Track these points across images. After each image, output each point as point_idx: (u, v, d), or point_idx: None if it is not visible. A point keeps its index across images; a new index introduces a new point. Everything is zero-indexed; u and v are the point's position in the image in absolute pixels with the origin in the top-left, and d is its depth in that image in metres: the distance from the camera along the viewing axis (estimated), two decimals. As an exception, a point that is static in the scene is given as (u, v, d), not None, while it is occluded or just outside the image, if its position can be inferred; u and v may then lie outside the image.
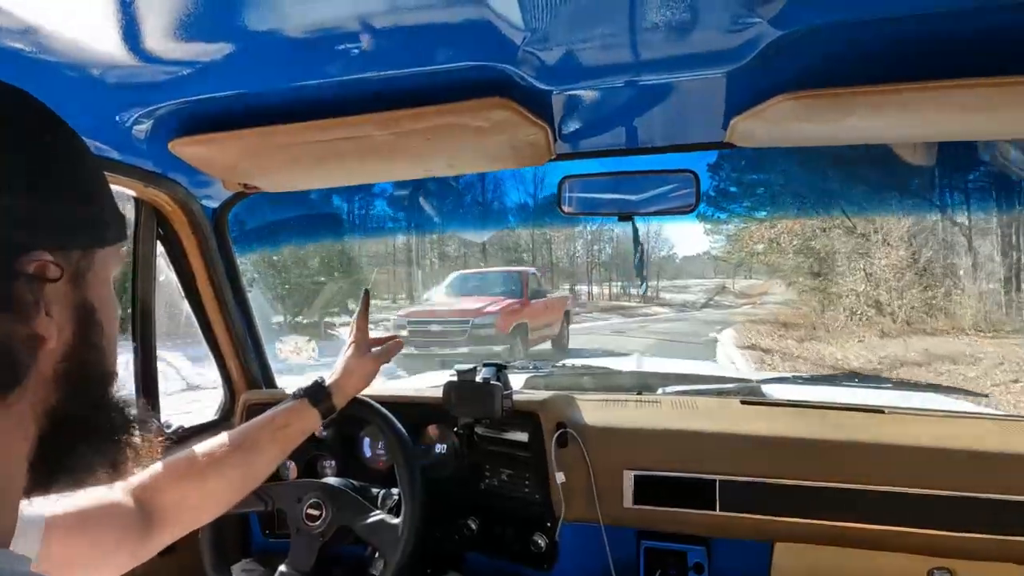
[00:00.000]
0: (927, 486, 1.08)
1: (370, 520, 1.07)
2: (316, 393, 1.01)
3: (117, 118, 0.90)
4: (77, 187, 0.43)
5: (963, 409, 1.53)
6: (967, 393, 1.74)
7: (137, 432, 0.47)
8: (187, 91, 0.82)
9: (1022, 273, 10.98)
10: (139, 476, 0.78)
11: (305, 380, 1.06)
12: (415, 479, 1.07)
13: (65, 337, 0.41)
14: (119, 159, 1.06)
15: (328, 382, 1.04)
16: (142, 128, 0.94)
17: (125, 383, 0.47)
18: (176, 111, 0.89)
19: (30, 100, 0.42)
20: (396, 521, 1.05)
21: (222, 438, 0.89)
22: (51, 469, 0.41)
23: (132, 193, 1.21)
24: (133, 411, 0.47)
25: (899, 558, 1.12)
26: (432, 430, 1.39)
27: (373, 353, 1.09)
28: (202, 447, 0.86)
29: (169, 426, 1.33)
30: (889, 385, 1.73)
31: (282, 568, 1.06)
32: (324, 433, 1.42)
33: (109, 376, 0.46)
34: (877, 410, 1.33)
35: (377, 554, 1.09)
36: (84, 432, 0.43)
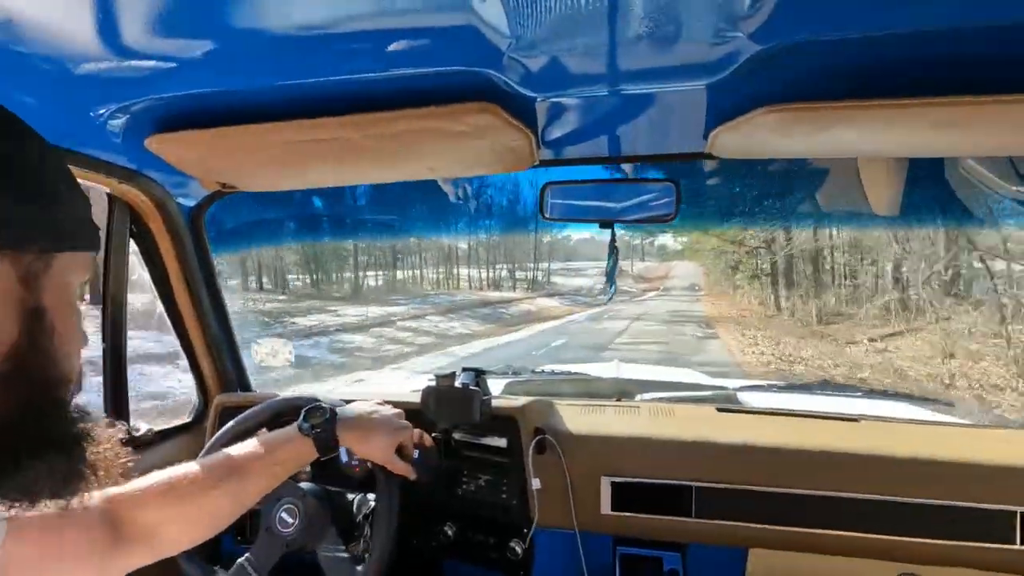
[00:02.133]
0: (898, 493, 1.11)
1: (334, 554, 1.03)
2: (324, 436, 0.94)
3: (91, 113, 0.87)
4: (35, 190, 0.41)
5: (932, 418, 1.57)
6: (935, 402, 1.78)
7: (95, 449, 0.45)
8: (165, 87, 0.81)
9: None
10: (119, 489, 0.73)
11: (318, 394, 1.02)
12: (392, 507, 1.04)
13: (9, 337, 0.40)
14: (93, 155, 1.03)
15: (340, 422, 0.96)
16: (117, 123, 0.92)
17: (84, 391, 0.45)
18: (153, 107, 0.87)
19: None
20: (359, 569, 1.00)
21: (212, 463, 0.83)
22: None
23: (105, 190, 1.18)
24: (90, 425, 0.45)
25: (868, 564, 1.14)
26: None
27: (397, 461, 1.03)
28: (189, 469, 0.81)
29: (138, 430, 1.29)
30: (860, 394, 1.77)
31: (241, 560, 1.02)
32: None
33: (59, 383, 0.44)
34: (852, 419, 1.35)
35: (360, 550, 1.07)
36: (29, 440, 0.41)
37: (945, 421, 1.53)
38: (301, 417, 0.96)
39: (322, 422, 0.95)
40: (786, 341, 13.11)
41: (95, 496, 0.71)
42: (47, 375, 0.43)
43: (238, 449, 0.88)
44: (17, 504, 0.42)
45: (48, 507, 0.44)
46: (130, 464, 0.52)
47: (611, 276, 1.24)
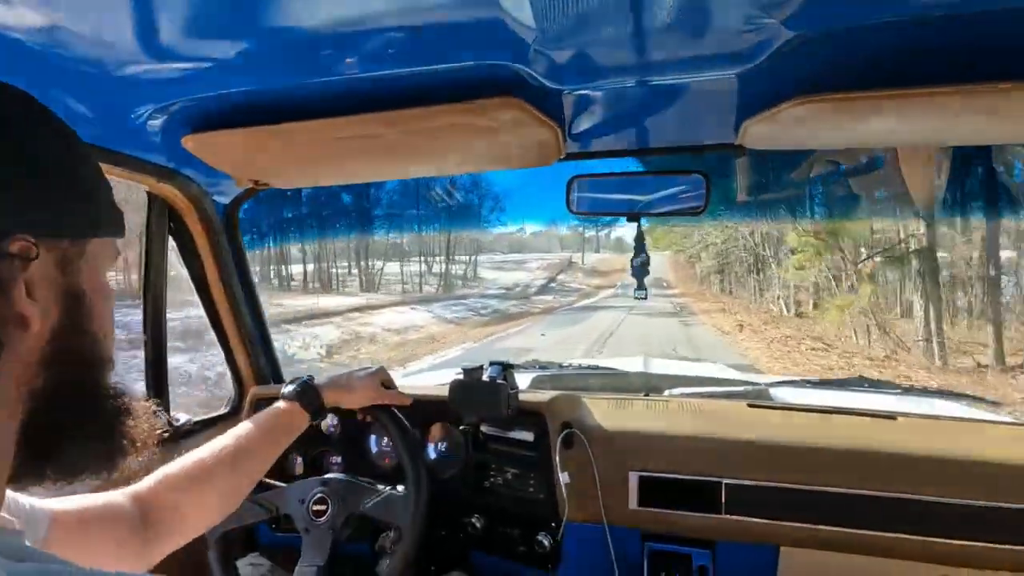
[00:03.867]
0: (937, 494, 1.07)
1: (377, 498, 1.08)
2: (307, 397, 1.02)
3: (131, 114, 0.90)
4: (68, 178, 0.44)
5: (975, 416, 1.51)
6: (978, 400, 1.72)
7: (132, 423, 0.47)
8: (200, 87, 0.83)
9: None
10: (139, 484, 0.78)
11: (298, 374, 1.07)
12: (419, 467, 1.09)
13: (51, 321, 0.42)
14: (132, 154, 1.07)
15: (321, 384, 1.05)
16: (155, 123, 0.95)
17: (123, 375, 0.47)
18: (189, 107, 0.90)
19: (18, 93, 0.43)
20: (403, 490, 1.07)
21: (214, 446, 0.89)
22: (40, 452, 0.42)
23: (145, 188, 1.23)
24: (128, 400, 0.47)
25: (904, 565, 1.11)
26: (437, 428, 1.39)
27: (385, 391, 1.13)
28: (195, 455, 0.86)
29: (178, 420, 1.34)
30: (899, 391, 1.72)
31: (298, 568, 1.06)
32: (332, 428, 1.43)
33: (100, 362, 0.46)
34: (889, 416, 1.31)
35: (389, 541, 1.11)
36: (72, 416, 0.43)
37: (988, 419, 1.47)
38: (284, 387, 1.04)
39: (303, 384, 1.04)
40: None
41: (124, 490, 0.76)
42: (88, 355, 0.45)
43: (237, 430, 0.93)
44: (62, 480, 0.44)
45: (90, 481, 0.46)
46: (166, 436, 0.54)
47: (639, 274, 1.22)
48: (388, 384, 1.15)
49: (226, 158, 1.09)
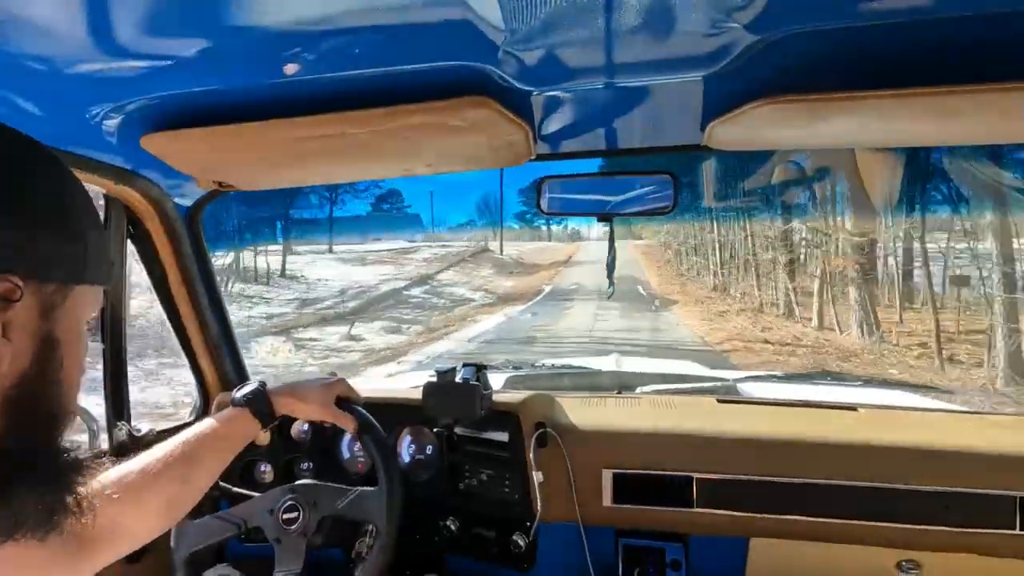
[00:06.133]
0: (897, 481, 1.11)
1: (350, 497, 1.06)
2: (258, 404, 0.99)
3: (86, 113, 0.87)
4: (62, 222, 0.43)
5: (931, 406, 1.57)
6: (935, 390, 1.79)
7: (81, 479, 0.45)
8: (160, 86, 0.80)
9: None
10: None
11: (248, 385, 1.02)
12: (390, 461, 1.06)
13: (21, 365, 0.40)
14: (88, 155, 1.03)
15: (273, 391, 1.02)
16: (112, 123, 0.92)
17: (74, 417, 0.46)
18: (147, 106, 0.87)
19: (18, 136, 0.42)
20: (375, 488, 1.05)
21: (158, 452, 0.84)
22: None
23: (101, 191, 1.18)
24: (78, 455, 0.45)
25: (869, 551, 1.15)
26: (411, 431, 1.38)
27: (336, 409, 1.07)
28: (138, 462, 0.82)
29: (139, 431, 1.30)
30: (859, 383, 1.78)
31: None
32: (303, 434, 1.40)
33: (61, 416, 0.44)
34: (850, 407, 1.36)
35: (365, 547, 1.09)
36: (24, 468, 0.41)
37: (944, 408, 1.54)
38: (235, 391, 1.01)
39: (254, 391, 1.00)
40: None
41: None
42: (52, 407, 0.43)
43: (183, 436, 0.89)
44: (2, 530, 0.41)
45: (28, 539, 0.43)
46: (127, 446, 0.52)
47: (610, 272, 1.24)
48: (347, 396, 1.10)
49: (188, 159, 1.06)
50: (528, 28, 0.67)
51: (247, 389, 1.01)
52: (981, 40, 0.70)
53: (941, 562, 1.14)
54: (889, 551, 1.15)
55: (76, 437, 0.46)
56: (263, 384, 1.03)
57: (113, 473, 0.79)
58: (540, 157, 1.19)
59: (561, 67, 0.79)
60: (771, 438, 1.20)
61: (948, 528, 1.09)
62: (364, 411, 1.09)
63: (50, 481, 0.43)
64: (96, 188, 1.15)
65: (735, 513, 1.18)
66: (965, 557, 1.11)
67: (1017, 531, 1.07)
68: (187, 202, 1.35)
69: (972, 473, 1.10)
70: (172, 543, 1.07)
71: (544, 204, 1.23)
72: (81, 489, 0.45)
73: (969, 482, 1.09)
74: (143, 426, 1.31)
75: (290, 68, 0.75)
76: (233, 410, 0.97)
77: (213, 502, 1.37)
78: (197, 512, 1.08)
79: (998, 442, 1.13)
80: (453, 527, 1.32)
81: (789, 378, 1.95)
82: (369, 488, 1.06)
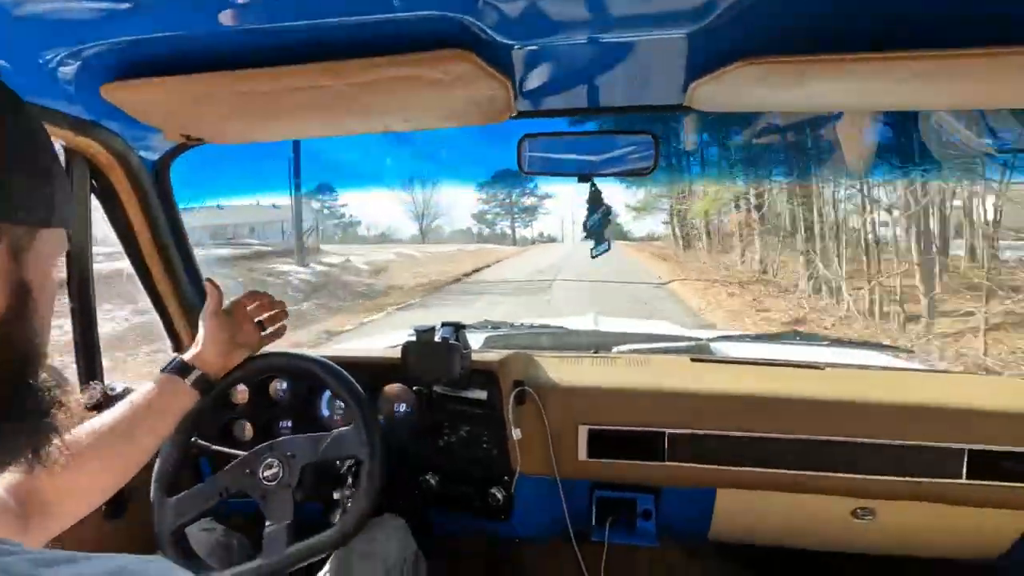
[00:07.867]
0: (855, 435, 1.17)
1: (328, 439, 1.08)
2: (183, 372, 0.98)
3: (40, 59, 0.82)
4: (31, 165, 0.42)
5: (891, 364, 1.64)
6: (895, 349, 1.87)
7: (63, 416, 0.46)
8: (120, 29, 0.75)
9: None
10: (13, 472, 0.75)
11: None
12: (361, 400, 1.09)
13: None
14: (45, 104, 0.97)
15: (188, 358, 1.01)
16: (68, 70, 0.86)
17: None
18: (108, 52, 0.82)
19: None
20: (351, 426, 1.07)
21: (97, 423, 0.85)
22: None
23: (61, 143, 1.12)
24: (60, 392, 0.46)
25: (828, 500, 1.22)
26: (391, 390, 1.39)
27: (265, 333, 1.11)
28: (79, 432, 0.82)
29: (113, 388, 1.28)
30: (827, 343, 1.84)
31: (267, 530, 1.05)
32: (281, 394, 1.40)
33: (37, 357, 0.45)
34: (816, 366, 1.41)
35: (345, 496, 1.11)
36: (5, 407, 0.42)
37: (904, 367, 1.61)
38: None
39: (173, 362, 1.00)
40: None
41: (3, 479, 0.72)
42: (28, 347, 0.44)
43: (118, 409, 0.89)
44: None
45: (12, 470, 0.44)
46: (100, 404, 0.53)
47: (597, 231, 1.23)
48: (259, 309, 1.12)
49: (152, 110, 1.01)
50: None
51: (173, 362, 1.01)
52: (965, 4, 0.69)
53: (894, 509, 1.22)
54: (846, 499, 1.22)
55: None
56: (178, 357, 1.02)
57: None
58: (521, 114, 1.17)
59: (543, 19, 0.76)
60: (740, 395, 1.24)
61: (901, 478, 1.16)
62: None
63: (31, 420, 0.44)
64: (56, 140, 1.10)
65: (704, 466, 1.23)
66: (916, 504, 1.19)
67: (964, 480, 1.14)
68: (154, 156, 1.30)
69: (924, 427, 1.16)
70: (155, 520, 1.07)
71: (524, 163, 1.21)
72: (60, 423, 0.46)
73: (921, 436, 1.16)
74: (117, 385, 1.29)
75: (257, 14, 0.71)
76: (164, 381, 0.97)
77: (194, 461, 1.38)
78: (175, 485, 1.09)
79: (948, 398, 1.19)
80: (433, 482, 1.35)
81: (759, 338, 2.00)
82: (345, 427, 1.07)
